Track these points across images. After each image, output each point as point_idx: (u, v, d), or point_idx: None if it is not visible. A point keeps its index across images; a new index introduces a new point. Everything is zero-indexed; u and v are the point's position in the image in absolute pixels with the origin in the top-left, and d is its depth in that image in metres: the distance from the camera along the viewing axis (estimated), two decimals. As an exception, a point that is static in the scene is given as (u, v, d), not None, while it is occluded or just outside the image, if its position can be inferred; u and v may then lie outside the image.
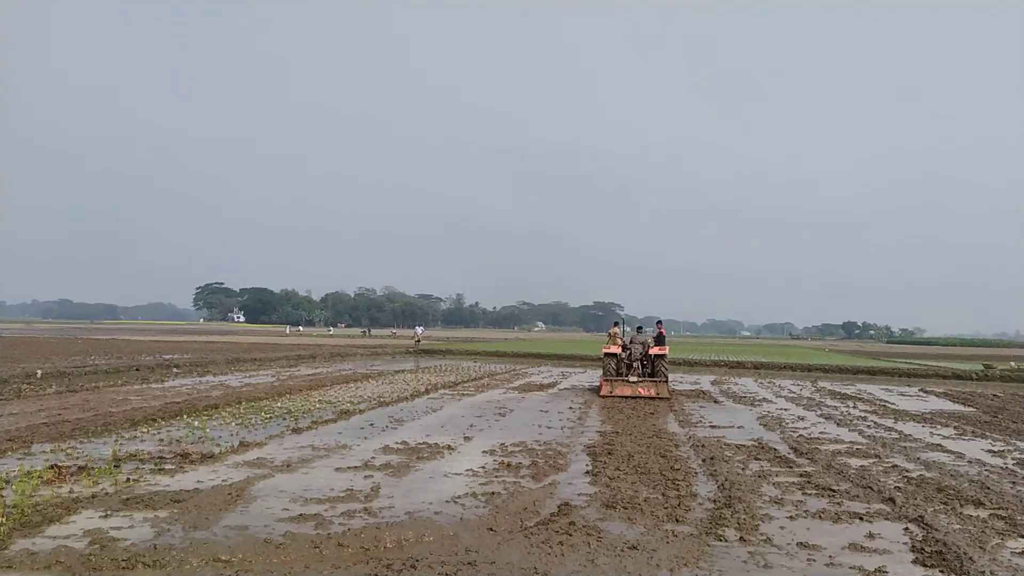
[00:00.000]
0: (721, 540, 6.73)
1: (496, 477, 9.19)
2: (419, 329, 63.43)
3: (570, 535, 6.69)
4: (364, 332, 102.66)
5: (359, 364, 32.35)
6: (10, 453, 9.86)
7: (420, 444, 11.40)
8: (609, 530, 6.93)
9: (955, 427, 15.55)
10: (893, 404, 20.64)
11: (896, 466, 10.72)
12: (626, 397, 20.03)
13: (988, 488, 9.24)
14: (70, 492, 7.81)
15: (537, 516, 7.38)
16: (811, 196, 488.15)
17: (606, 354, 21.45)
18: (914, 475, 10.03)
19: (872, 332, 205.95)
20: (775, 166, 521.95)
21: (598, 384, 22.05)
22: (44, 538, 6.24)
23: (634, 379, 20.64)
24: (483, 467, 9.81)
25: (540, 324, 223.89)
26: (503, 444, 11.64)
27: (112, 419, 12.91)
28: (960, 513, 7.93)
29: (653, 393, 20.00)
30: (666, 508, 7.79)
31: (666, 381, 20.45)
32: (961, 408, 20.07)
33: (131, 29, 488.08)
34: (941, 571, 6.04)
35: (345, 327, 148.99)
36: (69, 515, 6.93)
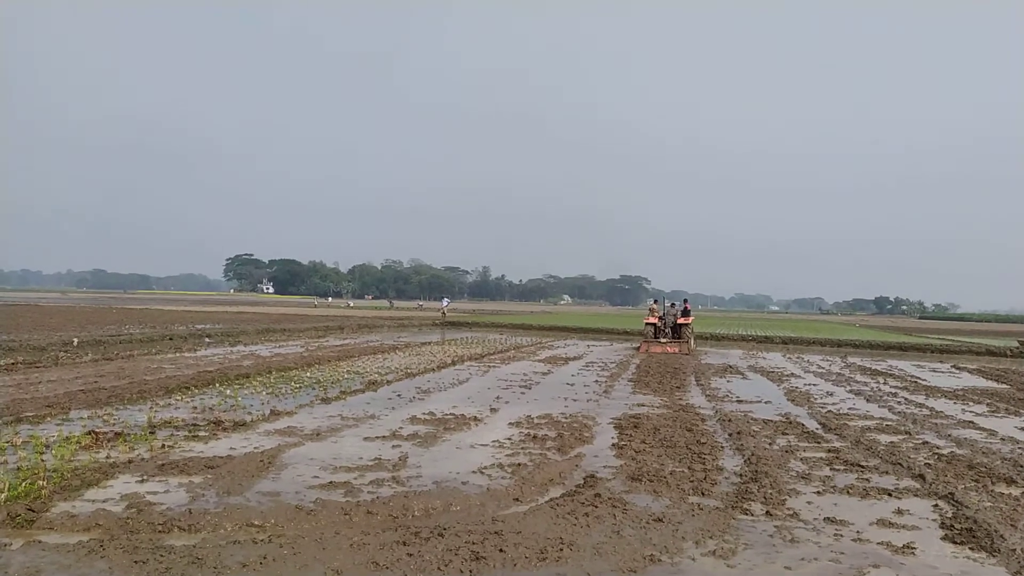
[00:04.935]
0: (747, 514, 6.72)
1: (522, 449, 9.26)
2: (445, 301, 63.70)
3: (595, 507, 6.72)
4: (389, 304, 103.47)
5: (386, 336, 32.63)
6: (49, 419, 10.13)
7: (447, 415, 11.51)
8: (635, 502, 6.95)
9: (988, 404, 15.29)
10: (925, 380, 20.34)
11: (927, 443, 10.59)
12: (656, 361, 23.74)
13: (1021, 466, 9.09)
14: (107, 457, 8.02)
15: (563, 487, 7.43)
16: (845, 169, 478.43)
17: (647, 323, 28.91)
18: (945, 452, 9.90)
19: (904, 307, 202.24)
20: (808, 139, 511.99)
21: (637, 347, 28.90)
22: (83, 501, 6.43)
23: (664, 340, 28.02)
24: (509, 439, 9.88)
25: (566, 297, 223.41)
26: (529, 416, 11.70)
27: (147, 387, 13.21)
28: (991, 491, 7.82)
29: (679, 351, 26.97)
30: (692, 482, 7.79)
31: (688, 342, 27.73)
32: (995, 385, 19.72)
33: (167, 12, 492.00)
34: (971, 548, 5.98)
35: (372, 299, 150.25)
36: (107, 479, 7.12)
